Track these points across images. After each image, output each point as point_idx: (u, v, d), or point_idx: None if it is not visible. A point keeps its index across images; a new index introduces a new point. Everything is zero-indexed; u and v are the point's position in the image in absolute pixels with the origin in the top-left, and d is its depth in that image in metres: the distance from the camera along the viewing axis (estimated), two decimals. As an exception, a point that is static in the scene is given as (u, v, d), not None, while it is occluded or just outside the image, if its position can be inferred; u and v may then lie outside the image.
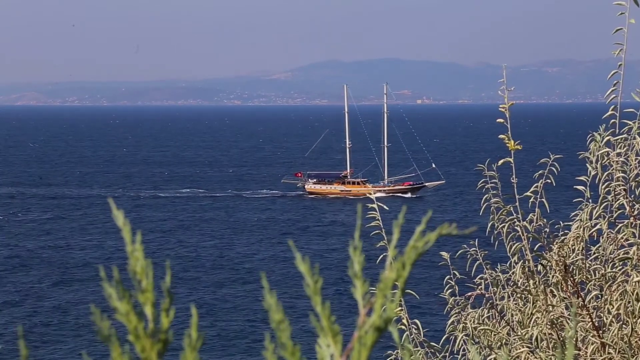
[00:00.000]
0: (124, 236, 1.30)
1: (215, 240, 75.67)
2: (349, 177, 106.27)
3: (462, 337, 6.71)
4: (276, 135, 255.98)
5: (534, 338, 6.43)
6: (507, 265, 6.79)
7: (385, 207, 7.03)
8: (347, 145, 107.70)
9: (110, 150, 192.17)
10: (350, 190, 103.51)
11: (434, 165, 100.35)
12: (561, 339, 6.40)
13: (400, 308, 6.80)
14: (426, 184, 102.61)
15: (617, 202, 6.55)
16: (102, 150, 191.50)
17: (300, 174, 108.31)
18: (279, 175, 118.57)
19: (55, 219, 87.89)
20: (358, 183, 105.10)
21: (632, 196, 6.57)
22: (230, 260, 67.08)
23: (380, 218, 6.94)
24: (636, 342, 6.28)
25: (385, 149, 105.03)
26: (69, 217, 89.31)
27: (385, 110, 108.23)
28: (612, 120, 6.69)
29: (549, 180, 6.84)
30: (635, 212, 6.54)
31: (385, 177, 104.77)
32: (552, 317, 6.46)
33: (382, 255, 6.37)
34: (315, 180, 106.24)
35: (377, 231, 6.92)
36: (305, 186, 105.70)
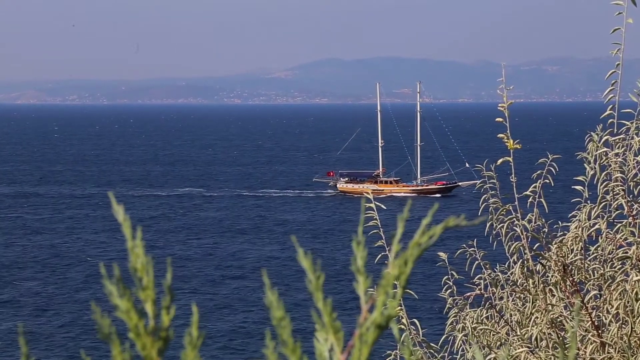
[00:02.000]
0: (124, 232, 1.30)
1: (221, 239, 75.58)
2: (381, 176, 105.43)
3: (461, 337, 6.70)
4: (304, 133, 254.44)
5: (533, 338, 6.43)
6: (506, 265, 6.79)
7: (382, 206, 7.03)
8: (380, 144, 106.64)
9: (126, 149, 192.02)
10: (382, 190, 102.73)
11: (467, 165, 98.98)
12: (561, 338, 6.40)
13: (399, 307, 6.80)
14: (460, 183, 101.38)
15: (616, 202, 6.55)
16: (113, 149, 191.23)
17: (332, 173, 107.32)
18: (311, 174, 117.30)
19: (43, 218, 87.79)
20: (390, 182, 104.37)
21: (631, 196, 6.57)
22: (234, 259, 67.01)
23: (378, 217, 6.94)
24: (635, 341, 6.28)
25: (418, 148, 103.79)
26: (55, 216, 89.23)
27: (418, 109, 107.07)
28: (610, 120, 6.69)
29: (548, 180, 6.85)
30: (634, 212, 6.54)
31: (418, 177, 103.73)
32: (551, 316, 6.46)
33: (380, 255, 6.36)
34: (347, 179, 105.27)
35: (375, 230, 6.91)
36: (337, 185, 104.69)
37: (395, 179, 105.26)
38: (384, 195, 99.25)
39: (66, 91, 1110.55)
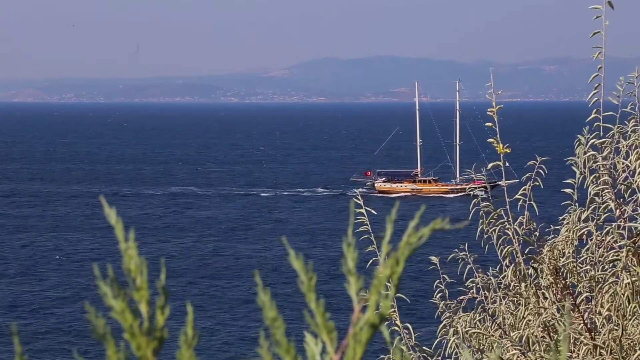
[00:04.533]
0: (117, 234, 1.30)
1: (220, 239, 75.40)
2: (419, 175, 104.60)
3: (454, 341, 6.70)
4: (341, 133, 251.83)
5: (525, 340, 6.44)
6: (498, 269, 6.80)
7: (373, 211, 7.02)
8: (418, 143, 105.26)
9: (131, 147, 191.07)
10: (421, 189, 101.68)
11: (507, 164, 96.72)
12: (553, 341, 6.41)
13: (392, 309, 6.80)
14: (500, 182, 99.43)
15: (604, 205, 6.56)
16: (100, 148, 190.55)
17: (369, 173, 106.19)
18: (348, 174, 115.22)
19: (32, 216, 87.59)
20: (429, 181, 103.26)
21: (621, 199, 6.58)
22: (234, 259, 66.86)
23: (368, 221, 6.93)
24: (627, 343, 6.29)
25: (457, 147, 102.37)
26: (45, 214, 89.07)
27: (457, 107, 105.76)
28: (596, 123, 6.72)
29: (537, 183, 6.88)
30: (624, 215, 6.55)
31: (457, 176, 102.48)
32: (543, 319, 6.47)
33: (371, 260, 6.35)
34: (385, 178, 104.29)
35: (366, 235, 6.90)
36: (375, 184, 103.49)
37: (433, 178, 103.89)
38: (422, 195, 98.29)
39: (63, 89, 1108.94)
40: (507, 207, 6.80)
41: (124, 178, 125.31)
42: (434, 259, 7.03)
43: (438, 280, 6.95)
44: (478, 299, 6.78)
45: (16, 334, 1.32)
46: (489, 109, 7.10)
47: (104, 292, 1.29)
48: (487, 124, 7.12)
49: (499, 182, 6.94)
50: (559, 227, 6.66)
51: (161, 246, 71.18)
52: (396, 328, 6.84)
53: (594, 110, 6.76)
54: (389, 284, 1.38)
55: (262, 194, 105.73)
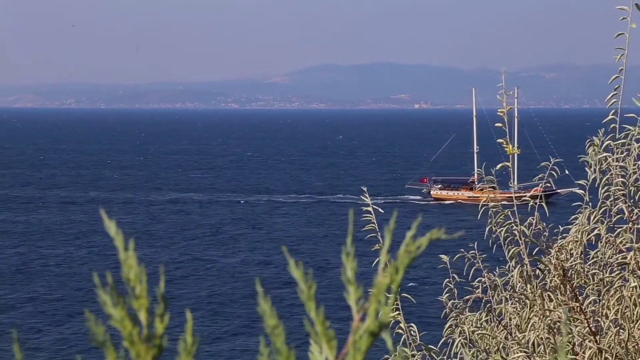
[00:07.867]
0: (117, 245, 1.30)
1: (221, 245, 75.28)
2: (476, 183, 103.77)
3: (459, 341, 6.70)
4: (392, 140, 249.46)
5: (531, 342, 6.43)
6: (507, 267, 6.80)
7: (380, 210, 7.04)
8: (475, 150, 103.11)
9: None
10: (478, 197, 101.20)
11: (567, 172, 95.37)
12: (558, 343, 6.40)
13: (397, 312, 6.80)
14: (558, 190, 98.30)
15: (616, 206, 6.55)
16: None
17: (425, 180, 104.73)
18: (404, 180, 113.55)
19: (27, 222, 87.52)
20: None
21: (631, 201, 6.57)
22: (237, 266, 66.75)
23: (375, 221, 6.95)
24: (633, 347, 6.28)
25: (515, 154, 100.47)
26: (41, 220, 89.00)
27: (515, 114, 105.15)
28: (612, 125, 6.69)
29: (549, 184, 6.89)
30: (634, 217, 6.54)
31: (515, 183, 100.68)
32: (549, 321, 6.46)
33: (377, 259, 6.35)
34: (440, 185, 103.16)
35: (373, 234, 6.92)
36: (431, 192, 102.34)
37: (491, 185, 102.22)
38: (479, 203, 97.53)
39: (64, 95, 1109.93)
40: (515, 208, 6.81)
41: (115, 184, 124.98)
42: (444, 257, 7.03)
43: (447, 280, 6.94)
44: (485, 299, 6.78)
45: (16, 341, 1.31)
46: (499, 110, 7.11)
47: (103, 301, 1.29)
48: (496, 124, 7.14)
49: (558, 190, 6.95)
50: (569, 227, 6.65)
51: (158, 253, 71.10)
52: (400, 330, 6.83)
53: (612, 112, 6.72)
54: (390, 288, 1.38)
55: (302, 200, 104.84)
